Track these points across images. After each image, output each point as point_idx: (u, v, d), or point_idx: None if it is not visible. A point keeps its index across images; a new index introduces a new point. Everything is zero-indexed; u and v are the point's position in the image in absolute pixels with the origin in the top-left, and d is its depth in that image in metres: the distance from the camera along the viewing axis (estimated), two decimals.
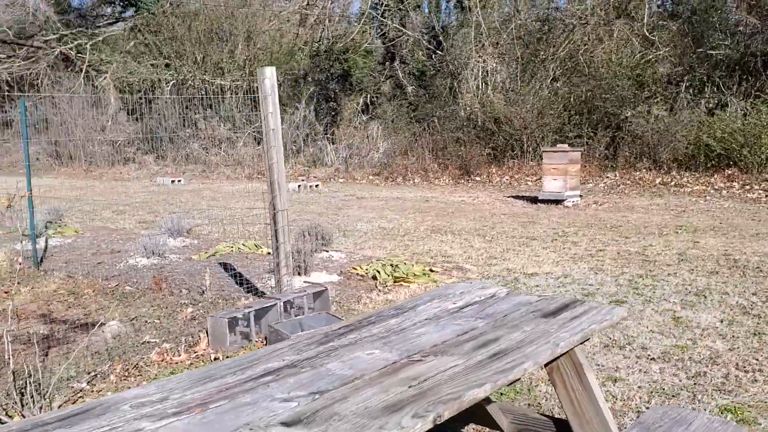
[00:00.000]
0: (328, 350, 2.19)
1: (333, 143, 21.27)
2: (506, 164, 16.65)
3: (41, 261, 7.48)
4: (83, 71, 26.29)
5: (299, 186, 15.24)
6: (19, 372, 3.49)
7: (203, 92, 24.07)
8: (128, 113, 24.14)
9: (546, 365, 2.51)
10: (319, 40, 26.23)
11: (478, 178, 16.43)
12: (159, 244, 7.61)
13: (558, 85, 17.34)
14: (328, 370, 1.99)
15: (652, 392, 3.69)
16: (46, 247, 8.42)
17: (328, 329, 2.43)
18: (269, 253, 7.53)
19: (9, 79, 27.88)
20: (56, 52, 27.35)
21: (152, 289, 5.94)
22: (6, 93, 28.76)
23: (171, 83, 23.72)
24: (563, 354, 2.45)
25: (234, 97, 23.53)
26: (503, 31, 18.33)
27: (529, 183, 15.33)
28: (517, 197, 13.44)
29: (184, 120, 22.34)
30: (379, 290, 6.03)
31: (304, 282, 6.15)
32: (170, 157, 21.50)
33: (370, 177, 17.78)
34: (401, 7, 24.26)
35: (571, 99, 16.52)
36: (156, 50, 24.17)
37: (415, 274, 6.42)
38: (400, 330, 2.41)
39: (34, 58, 27.06)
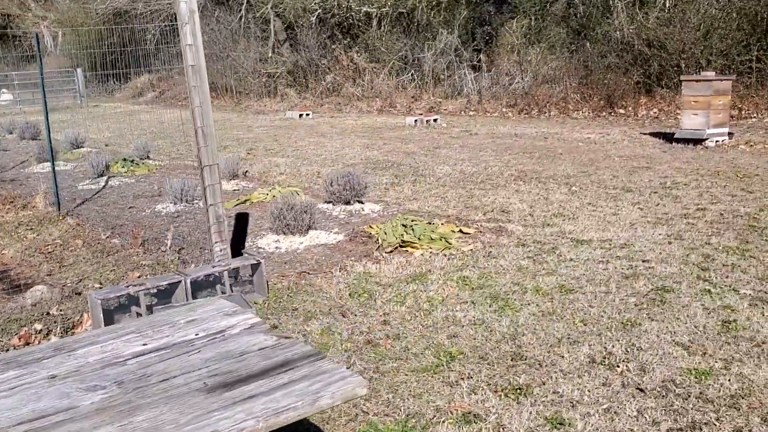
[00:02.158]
0: None
1: (476, 71, 19.83)
2: (658, 94, 14.39)
3: (81, 203, 7.34)
4: (244, 2, 26.71)
5: (415, 121, 14.24)
6: None
7: (348, 20, 23.46)
8: (280, 44, 24.23)
9: None
10: None
11: (621, 111, 14.38)
12: (195, 188, 7.15)
13: None
14: None
15: None
16: (102, 187, 8.33)
17: None
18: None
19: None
20: None
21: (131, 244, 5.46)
22: (170, 24, 30.16)
23: (317, 12, 23.33)
24: None
25: (379, 25, 22.67)
26: None
27: (680, 117, 13.09)
28: (655, 134, 11.48)
29: (324, 50, 21.96)
30: (375, 258, 5.08)
31: (300, 244, 5.35)
32: (310, 90, 21.30)
33: (504, 109, 16.30)
34: None
35: (744, 16, 13.74)
36: None
37: (431, 238, 5.36)
38: None
39: None
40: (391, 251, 5.22)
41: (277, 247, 5.33)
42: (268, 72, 23.12)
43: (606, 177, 8.06)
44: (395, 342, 3.63)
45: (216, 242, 4.18)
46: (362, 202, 6.79)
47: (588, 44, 17.15)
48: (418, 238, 5.36)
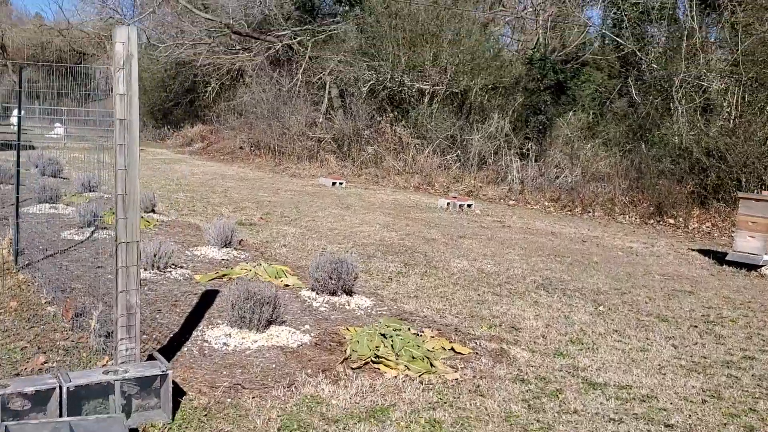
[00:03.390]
0: None
1: (524, 159, 19.02)
2: (713, 207, 13.28)
3: (47, 255, 6.63)
4: (301, 67, 26.76)
5: (448, 204, 13.40)
6: None
7: (399, 94, 23.11)
8: (334, 110, 23.99)
9: None
10: (535, 47, 24.03)
11: (671, 220, 13.29)
12: (172, 254, 6.39)
13: None
14: None
15: None
16: (86, 239, 7.65)
17: None
18: (287, 286, 5.97)
19: (232, 69, 29.46)
20: (278, 47, 28.20)
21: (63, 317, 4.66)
22: (223, 81, 30.44)
23: (369, 83, 23.06)
24: None
25: (430, 102, 22.22)
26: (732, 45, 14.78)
27: (734, 237, 11.93)
28: (704, 252, 10.37)
29: (371, 121, 21.53)
30: (335, 375, 4.14)
31: (253, 342, 4.47)
32: (351, 159, 20.77)
33: (546, 203, 15.35)
34: (641, 17, 21.14)
35: None
36: (370, 49, 23.54)
37: (413, 356, 4.42)
38: None
39: (255, 52, 28.15)
40: (359, 367, 4.28)
41: (224, 344, 4.45)
42: (318, 137, 22.77)
43: (641, 298, 7.01)
44: None
45: (122, 339, 3.33)
46: (352, 294, 5.90)
47: (644, 146, 16.22)
48: (396, 355, 4.42)
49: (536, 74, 22.51)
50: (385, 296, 6.22)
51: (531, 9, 25.33)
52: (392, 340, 4.55)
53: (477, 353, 4.82)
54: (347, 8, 31.44)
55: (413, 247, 8.90)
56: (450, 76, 22.29)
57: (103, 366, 3.63)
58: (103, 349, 4.13)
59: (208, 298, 5.48)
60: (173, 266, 6.47)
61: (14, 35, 58.62)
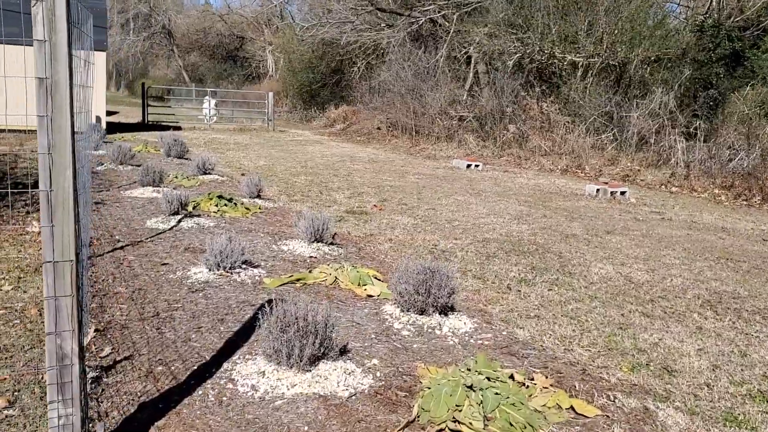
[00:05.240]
0: None
1: (690, 139, 16.57)
2: None
3: (112, 249, 5.86)
4: (445, 42, 25.48)
5: (597, 190, 11.58)
6: None
7: (549, 67, 21.17)
8: (480, 87, 22.51)
9: None
10: (707, 12, 21.12)
11: None
12: (243, 251, 5.40)
13: None
14: None
15: None
16: (168, 228, 6.86)
17: None
18: (370, 297, 4.79)
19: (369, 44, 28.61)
20: (421, 21, 27.02)
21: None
22: (369, 61, 29.67)
23: (515, 56, 21.29)
24: None
25: (584, 75, 20.12)
26: None
27: None
28: None
29: (515, 98, 19.80)
30: None
31: (290, 388, 3.31)
32: (492, 138, 19.19)
33: (716, 191, 13.04)
34: None
35: None
36: (517, 20, 21.73)
37: (510, 423, 3.06)
38: None
39: (397, 28, 27.12)
40: None
41: (253, 387, 3.32)
42: (460, 115, 21.36)
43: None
44: None
45: (52, 403, 2.27)
46: (447, 312, 4.58)
47: None
48: (486, 419, 3.08)
49: (707, 43, 19.71)
50: (494, 315, 4.84)
51: None
52: (482, 395, 3.21)
53: (608, 416, 3.36)
54: None
55: (546, 246, 7.39)
56: (606, 46, 20.03)
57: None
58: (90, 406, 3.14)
59: (265, 312, 4.39)
60: (245, 265, 5.47)
61: (180, 21, 61.83)
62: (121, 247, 6.05)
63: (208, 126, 24.75)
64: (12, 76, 3.33)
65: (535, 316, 4.93)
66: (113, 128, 20.30)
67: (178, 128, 22.81)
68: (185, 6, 65.68)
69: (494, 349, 4.16)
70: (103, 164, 11.64)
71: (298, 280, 5.17)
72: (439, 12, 26.35)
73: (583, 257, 6.95)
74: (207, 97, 26.58)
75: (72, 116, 2.22)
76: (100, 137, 14.20)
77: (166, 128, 21.87)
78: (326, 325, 3.45)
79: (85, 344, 3.21)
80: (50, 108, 2.16)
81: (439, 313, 4.51)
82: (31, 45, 2.11)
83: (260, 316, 3.68)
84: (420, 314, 4.47)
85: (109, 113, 28.36)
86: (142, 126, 22.91)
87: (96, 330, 3.93)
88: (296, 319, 3.38)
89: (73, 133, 2.22)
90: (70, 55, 2.19)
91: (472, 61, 24.44)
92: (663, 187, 13.65)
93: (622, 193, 11.60)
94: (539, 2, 20.83)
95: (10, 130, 15.21)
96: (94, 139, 13.81)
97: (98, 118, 17.74)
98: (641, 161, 15.78)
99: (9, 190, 7.87)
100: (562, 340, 4.47)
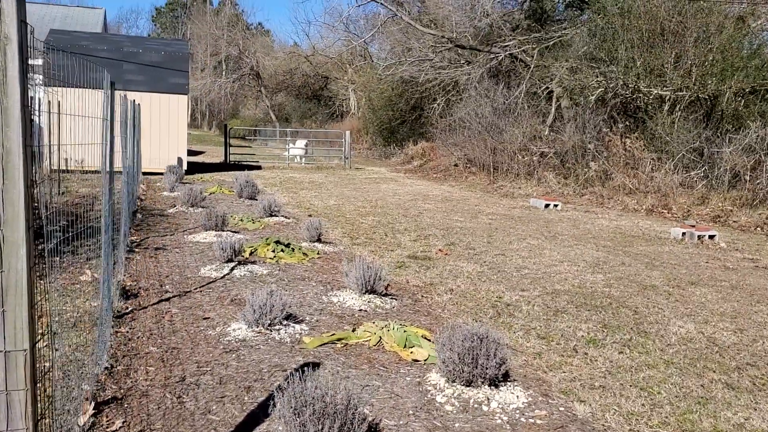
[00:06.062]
0: None
1: None
2: None
3: (158, 301, 5.69)
4: (526, 78, 25.04)
5: (683, 234, 10.75)
6: None
7: (633, 102, 20.31)
8: (564, 122, 21.85)
9: None
10: None
11: None
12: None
13: None
14: None
15: None
16: (221, 277, 6.68)
17: None
18: (416, 362, 4.40)
19: (449, 82, 28.41)
20: (501, 57, 26.67)
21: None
22: (448, 97, 29.43)
23: (597, 90, 20.56)
24: None
25: (671, 110, 19.17)
26: None
27: None
28: None
29: (598, 133, 19.04)
30: None
31: None
32: (573, 176, 18.44)
33: None
34: None
35: None
36: (600, 53, 21.01)
37: None
38: None
39: (477, 65, 26.86)
40: None
41: None
42: (541, 151, 20.73)
43: None
44: None
45: None
46: (497, 384, 4.11)
47: None
48: None
49: None
50: (553, 385, 4.33)
51: None
52: None
53: None
54: (578, 12, 28.93)
55: (621, 299, 6.77)
56: (695, 79, 19.03)
57: None
58: None
59: (295, 380, 4.05)
60: (288, 321, 5.18)
61: (267, 63, 63.71)
62: (168, 299, 5.89)
63: (287, 165, 25.04)
64: None
65: (600, 386, 4.39)
66: (195, 168, 20.75)
67: (258, 167, 23.15)
68: (274, 48, 67.80)
69: (547, 430, 3.66)
70: (175, 206, 11.73)
71: (339, 339, 4.82)
72: (519, 47, 25.93)
73: (661, 313, 6.30)
74: (297, 139, 27.04)
75: (29, 186, 1.97)
76: (176, 178, 14.43)
77: (247, 168, 22.20)
78: (348, 406, 3.07)
79: (82, 423, 2.95)
80: (15, 151, 1.92)
81: (489, 385, 4.05)
82: None
83: (275, 393, 3.34)
84: (467, 386, 4.03)
85: (194, 153, 29.20)
86: (224, 166, 23.36)
87: (114, 398, 3.70)
88: (313, 399, 3.02)
89: (29, 206, 1.97)
90: (26, 120, 1.95)
91: (554, 96, 23.83)
92: (758, 229, 12.61)
93: (711, 236, 10.73)
94: (623, 35, 20.06)
95: None
96: (170, 180, 14.04)
97: (179, 160, 18.14)
98: (734, 200, 14.72)
99: None
100: (628, 417, 3.92)
